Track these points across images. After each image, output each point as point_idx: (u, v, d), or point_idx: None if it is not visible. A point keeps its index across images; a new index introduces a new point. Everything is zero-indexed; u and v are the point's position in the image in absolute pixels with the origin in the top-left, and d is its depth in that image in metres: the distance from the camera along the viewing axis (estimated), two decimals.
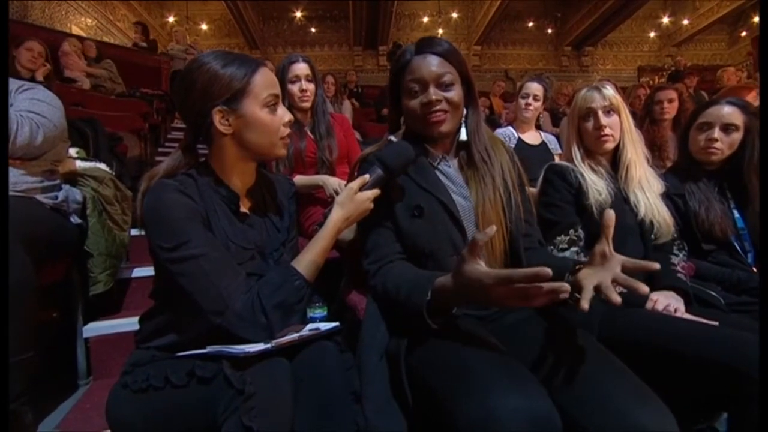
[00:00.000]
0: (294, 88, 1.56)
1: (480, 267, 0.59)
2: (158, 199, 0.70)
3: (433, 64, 0.81)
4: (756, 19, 7.88)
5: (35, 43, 2.63)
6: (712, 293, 1.06)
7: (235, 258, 0.74)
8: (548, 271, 0.52)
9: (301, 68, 1.57)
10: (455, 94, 0.82)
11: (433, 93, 0.81)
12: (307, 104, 1.59)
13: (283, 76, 1.56)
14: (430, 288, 0.66)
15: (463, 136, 0.87)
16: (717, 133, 1.19)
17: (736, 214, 1.19)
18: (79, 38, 4.71)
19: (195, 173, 0.77)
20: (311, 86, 1.58)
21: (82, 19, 6.93)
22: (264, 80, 0.76)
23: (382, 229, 0.84)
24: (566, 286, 0.54)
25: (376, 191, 0.81)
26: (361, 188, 0.81)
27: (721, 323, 0.87)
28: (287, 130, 0.80)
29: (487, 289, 0.57)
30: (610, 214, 0.64)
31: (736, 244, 1.16)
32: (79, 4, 6.80)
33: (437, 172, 0.87)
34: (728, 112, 1.19)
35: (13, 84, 1.27)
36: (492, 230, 0.59)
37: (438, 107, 0.81)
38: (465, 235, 0.81)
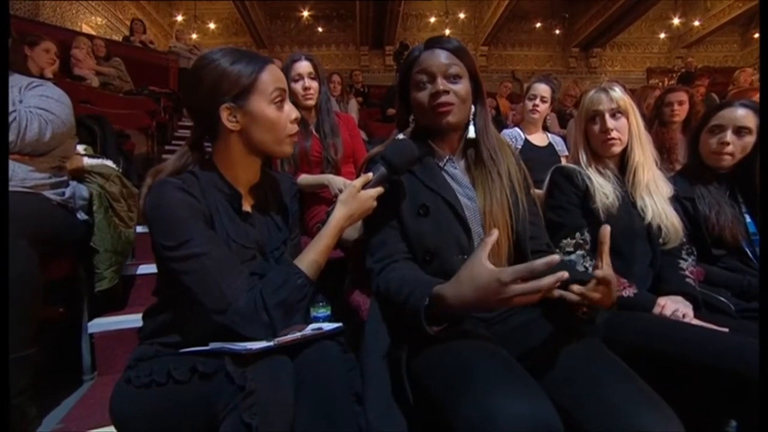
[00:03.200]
0: (297, 87, 1.57)
1: (491, 266, 0.58)
2: (160, 197, 0.70)
3: (441, 57, 0.83)
4: None
5: (50, 43, 2.69)
6: (722, 299, 1.04)
7: (236, 257, 0.74)
8: (557, 258, 0.53)
9: (303, 66, 1.57)
10: (462, 87, 0.83)
11: (441, 84, 0.82)
12: (311, 102, 1.59)
13: (286, 75, 1.56)
14: (428, 293, 0.65)
15: (471, 133, 0.87)
16: (729, 136, 1.17)
17: (747, 218, 1.16)
18: (90, 37, 4.77)
19: (198, 171, 0.77)
20: (314, 84, 1.58)
21: (93, 18, 7.02)
22: (271, 76, 0.76)
23: (387, 228, 0.84)
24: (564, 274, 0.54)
25: (379, 189, 0.81)
26: (365, 186, 0.80)
27: (730, 330, 0.86)
28: (295, 128, 0.80)
29: (502, 287, 0.55)
30: (605, 230, 0.64)
31: (747, 249, 1.14)
32: (90, 3, 6.89)
33: (443, 173, 0.86)
34: (741, 114, 1.17)
35: (23, 80, 1.29)
36: (495, 234, 0.59)
37: (445, 98, 0.81)
38: (471, 235, 0.81)
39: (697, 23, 9.10)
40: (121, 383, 0.73)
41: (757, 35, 9.10)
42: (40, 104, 1.23)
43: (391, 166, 0.80)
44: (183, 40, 6.53)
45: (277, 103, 0.76)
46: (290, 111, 0.79)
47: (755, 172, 1.15)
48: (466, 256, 0.79)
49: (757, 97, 2.83)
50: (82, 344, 1.46)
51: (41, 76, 2.62)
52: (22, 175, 1.21)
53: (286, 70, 1.58)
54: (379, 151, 0.85)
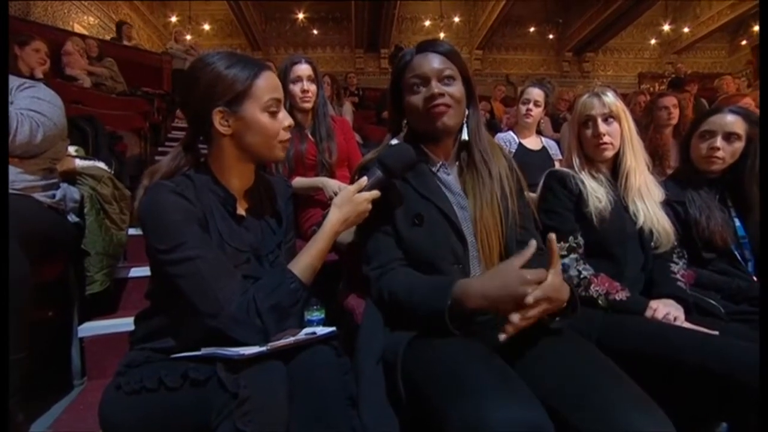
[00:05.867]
0: (296, 89, 1.57)
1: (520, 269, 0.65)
2: (154, 201, 0.70)
3: (434, 60, 0.83)
4: (756, 28, 7.93)
5: (41, 43, 2.65)
6: (712, 302, 1.05)
7: (230, 260, 0.74)
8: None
9: (303, 69, 1.58)
10: (457, 89, 0.83)
11: (435, 87, 0.81)
12: (309, 105, 1.59)
13: (285, 77, 1.56)
14: (451, 292, 0.68)
15: (464, 136, 0.87)
16: (719, 141, 1.19)
17: (737, 222, 1.18)
18: (82, 37, 4.72)
19: (192, 174, 0.77)
20: (313, 87, 1.59)
21: (85, 17, 6.95)
22: (266, 84, 0.75)
23: (382, 235, 0.83)
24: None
25: (374, 193, 0.80)
26: (360, 191, 0.80)
27: (721, 332, 0.87)
28: (287, 135, 0.80)
29: (523, 283, 0.63)
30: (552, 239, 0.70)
31: (736, 253, 1.15)
32: (82, 2, 6.82)
33: (436, 180, 0.86)
34: (731, 120, 1.19)
35: (14, 81, 1.27)
36: (533, 247, 0.67)
37: (441, 100, 0.81)
38: (465, 243, 0.81)
39: (686, 30, 9.26)
40: (111, 389, 0.72)
41: (744, 42, 9.30)
42: (31, 106, 1.21)
43: (387, 170, 0.80)
44: (181, 42, 6.41)
45: (271, 110, 0.76)
46: (284, 118, 0.78)
47: (744, 177, 1.17)
48: (461, 266, 0.80)
49: (743, 102, 2.91)
50: (72, 348, 1.44)
51: (31, 77, 2.58)
52: (11, 177, 1.19)
53: (285, 71, 1.58)
54: (372, 158, 0.85)
